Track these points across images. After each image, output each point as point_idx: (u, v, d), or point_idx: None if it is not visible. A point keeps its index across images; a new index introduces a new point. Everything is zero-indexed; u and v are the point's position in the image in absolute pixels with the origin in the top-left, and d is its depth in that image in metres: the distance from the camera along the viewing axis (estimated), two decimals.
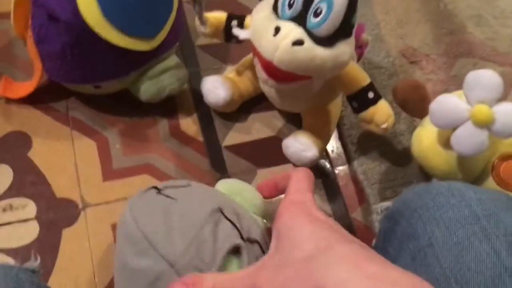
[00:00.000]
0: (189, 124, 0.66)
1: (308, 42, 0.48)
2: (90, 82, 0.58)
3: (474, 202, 0.44)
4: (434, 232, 0.43)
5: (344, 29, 0.49)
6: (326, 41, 0.49)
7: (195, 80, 0.67)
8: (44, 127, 0.61)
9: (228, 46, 0.72)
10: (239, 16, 0.59)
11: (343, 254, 0.33)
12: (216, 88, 0.62)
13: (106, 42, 0.53)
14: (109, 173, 0.60)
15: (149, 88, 0.60)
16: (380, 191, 0.63)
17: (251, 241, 0.39)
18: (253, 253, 0.39)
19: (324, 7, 0.47)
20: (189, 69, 0.69)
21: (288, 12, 0.49)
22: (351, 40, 0.51)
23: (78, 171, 0.59)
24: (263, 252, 0.40)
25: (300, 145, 0.61)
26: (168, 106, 0.65)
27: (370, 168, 0.65)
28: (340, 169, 0.67)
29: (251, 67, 0.64)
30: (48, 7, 0.52)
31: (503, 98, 0.74)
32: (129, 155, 0.62)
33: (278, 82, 0.53)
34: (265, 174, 0.64)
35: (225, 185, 0.45)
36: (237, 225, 0.39)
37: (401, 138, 0.68)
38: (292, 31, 0.48)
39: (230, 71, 0.67)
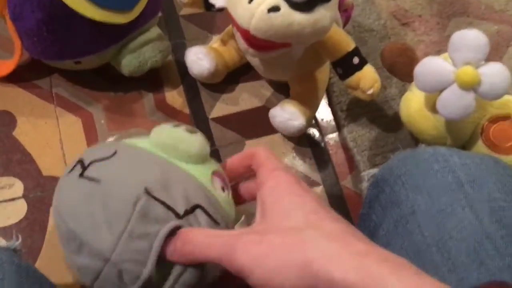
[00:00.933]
0: (175, 97, 0.65)
1: (285, 8, 0.46)
2: (69, 58, 0.57)
3: (458, 168, 0.43)
4: (416, 200, 0.43)
5: None
6: (304, 6, 0.47)
7: (180, 52, 0.66)
8: (28, 105, 0.61)
9: (214, 15, 0.70)
10: None
11: (332, 231, 0.32)
12: (199, 59, 0.61)
13: (82, 17, 0.52)
14: None
15: (130, 62, 0.59)
16: (370, 158, 0.62)
17: (190, 210, 0.36)
18: (196, 221, 0.36)
19: None
20: (174, 40, 0.68)
21: None
22: (332, 4, 0.49)
23: (63, 148, 0.59)
24: (207, 213, 0.37)
25: (287, 114, 0.60)
26: (153, 79, 0.65)
27: (360, 135, 0.64)
28: (330, 137, 0.66)
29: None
30: None
31: (500, 57, 0.73)
32: (115, 130, 0.61)
33: (257, 51, 0.51)
34: (254, 145, 0.63)
35: (157, 140, 0.40)
36: (169, 203, 0.36)
37: (392, 103, 0.67)
38: None
39: (215, 40, 0.66)
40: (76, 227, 0.36)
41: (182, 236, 0.35)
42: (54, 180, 0.57)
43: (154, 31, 0.60)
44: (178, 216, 0.36)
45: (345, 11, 0.60)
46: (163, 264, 0.35)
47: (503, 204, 0.41)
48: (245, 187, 0.44)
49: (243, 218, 0.40)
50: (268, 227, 0.34)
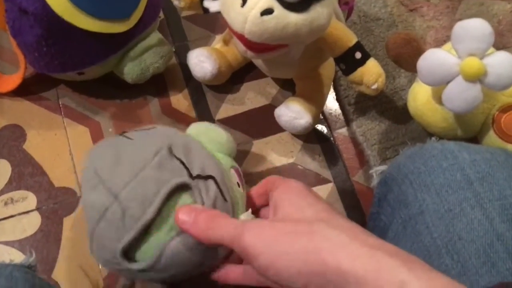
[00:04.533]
0: (181, 100, 0.65)
1: (279, 10, 0.45)
2: (71, 70, 0.58)
3: (467, 165, 0.42)
4: (425, 199, 0.42)
5: None
6: (298, 5, 0.46)
7: (183, 54, 0.66)
8: (36, 118, 0.62)
9: (216, 14, 0.69)
10: None
11: (343, 225, 0.32)
12: (202, 62, 0.61)
13: (79, 29, 0.52)
14: None
15: (132, 69, 0.59)
16: (380, 151, 0.61)
17: (203, 177, 0.39)
18: (206, 188, 0.39)
19: None
20: (177, 43, 0.68)
21: None
22: (328, 1, 0.48)
23: (73, 158, 0.60)
24: (219, 187, 0.40)
25: (292, 113, 0.59)
26: (157, 84, 0.65)
27: (369, 129, 0.63)
28: (339, 132, 0.65)
29: None
30: (16, 1, 0.51)
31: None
32: None
33: (255, 53, 0.50)
34: (261, 145, 0.63)
35: (192, 127, 0.49)
36: (186, 162, 0.39)
37: (401, 93, 0.65)
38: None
39: (217, 40, 0.65)
40: (100, 165, 0.39)
41: (206, 214, 0.36)
42: (66, 191, 0.58)
43: (154, 36, 0.60)
44: (191, 176, 0.39)
45: (346, 4, 0.58)
46: (165, 221, 0.38)
47: None
48: (255, 192, 0.44)
49: (249, 210, 0.42)
50: (280, 218, 0.34)
